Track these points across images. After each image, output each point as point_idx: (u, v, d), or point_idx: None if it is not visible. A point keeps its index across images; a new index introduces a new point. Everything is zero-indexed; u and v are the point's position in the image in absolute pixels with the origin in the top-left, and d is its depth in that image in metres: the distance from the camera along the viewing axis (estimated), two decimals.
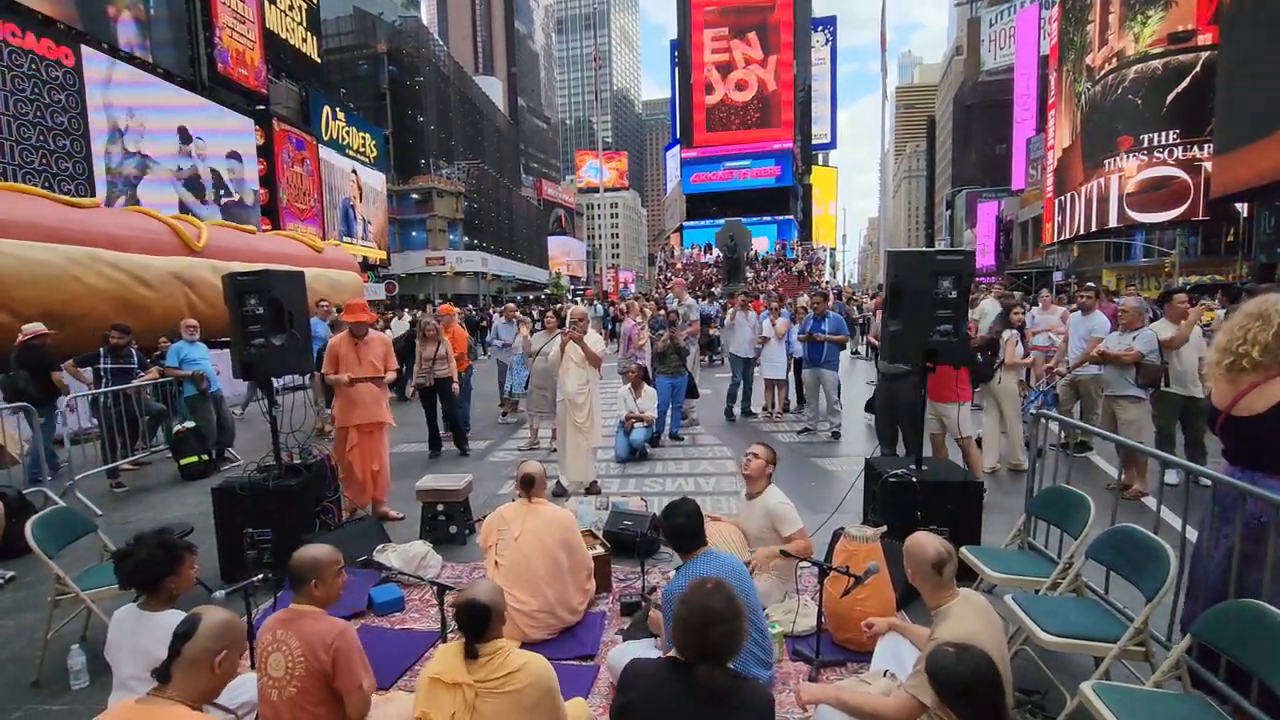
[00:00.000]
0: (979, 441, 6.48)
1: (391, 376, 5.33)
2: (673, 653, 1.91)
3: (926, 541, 2.32)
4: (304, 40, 31.19)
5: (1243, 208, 25.82)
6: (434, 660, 2.13)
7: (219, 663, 1.78)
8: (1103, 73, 34.42)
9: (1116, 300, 8.12)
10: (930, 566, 2.26)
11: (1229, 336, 2.62)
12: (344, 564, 3.94)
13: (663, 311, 10.00)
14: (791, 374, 9.30)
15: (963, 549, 3.36)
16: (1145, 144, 31.77)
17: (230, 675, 1.88)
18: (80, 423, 7.21)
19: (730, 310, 9.39)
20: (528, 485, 3.55)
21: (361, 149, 38.08)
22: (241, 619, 1.93)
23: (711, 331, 13.90)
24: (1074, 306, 7.47)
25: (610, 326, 19.61)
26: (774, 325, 8.94)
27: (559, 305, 20.39)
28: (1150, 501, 4.84)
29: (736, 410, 9.24)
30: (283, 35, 29.14)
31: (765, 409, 9.30)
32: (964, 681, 1.74)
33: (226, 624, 1.83)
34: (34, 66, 16.18)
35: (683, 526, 2.72)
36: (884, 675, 2.48)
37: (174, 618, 2.24)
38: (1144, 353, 5.28)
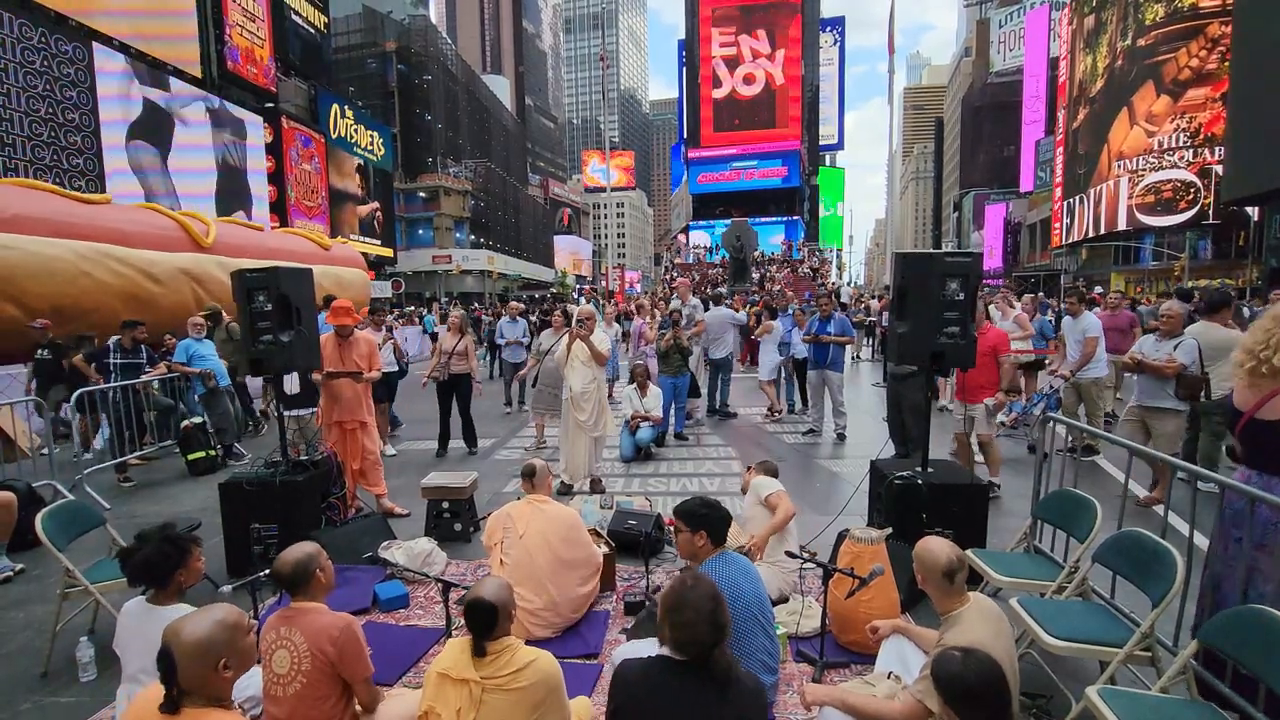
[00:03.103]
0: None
1: (375, 376, 5.33)
2: (663, 652, 1.91)
3: (937, 548, 2.28)
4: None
5: (1254, 211, 25.62)
6: (442, 655, 2.14)
7: (223, 667, 1.68)
8: (1113, 73, 34.23)
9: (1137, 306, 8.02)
10: (941, 574, 2.23)
11: (1254, 338, 2.58)
12: (349, 560, 4.00)
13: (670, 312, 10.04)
14: (784, 374, 9.56)
15: (968, 552, 3.35)
16: (1156, 147, 31.60)
17: (245, 665, 1.78)
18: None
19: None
20: (528, 475, 3.60)
21: (369, 147, 38.21)
22: (229, 613, 1.78)
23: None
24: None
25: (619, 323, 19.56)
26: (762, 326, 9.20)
27: (563, 304, 20.39)
28: (1158, 506, 4.81)
29: (718, 406, 9.35)
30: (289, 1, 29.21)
31: (770, 410, 9.38)
32: (969, 685, 1.74)
33: (207, 637, 1.66)
34: (46, 63, 16.31)
35: (724, 520, 2.76)
36: (889, 677, 2.47)
37: (182, 611, 2.26)
38: (1186, 364, 4.96)
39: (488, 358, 14.56)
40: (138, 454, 6.84)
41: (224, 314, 8.14)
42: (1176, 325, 5.20)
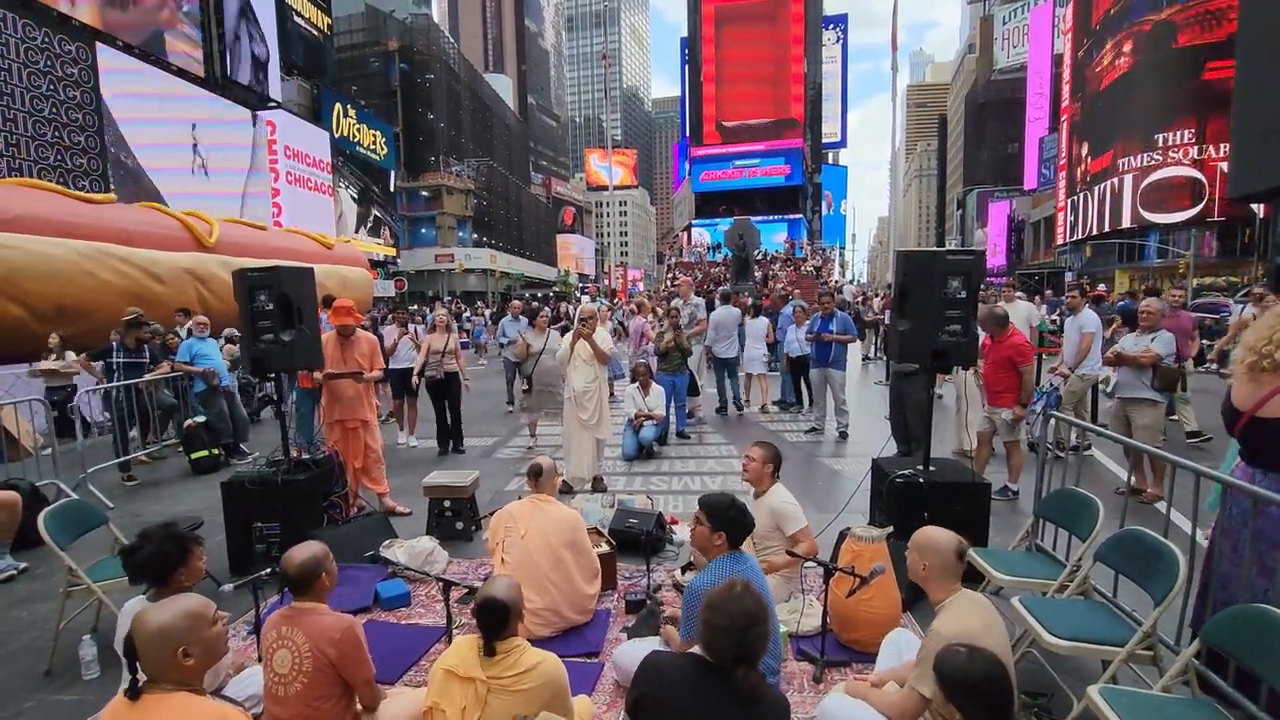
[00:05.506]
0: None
1: (377, 375, 5.33)
2: (696, 650, 1.90)
3: (938, 534, 2.31)
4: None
5: (1259, 208, 25.50)
6: (449, 652, 2.14)
7: (183, 654, 1.67)
8: (1118, 69, 34.08)
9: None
10: (955, 556, 2.25)
11: (1256, 335, 2.57)
12: (351, 559, 4.00)
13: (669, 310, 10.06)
14: (785, 372, 9.70)
15: (970, 551, 3.34)
16: (1160, 143, 31.46)
17: (212, 655, 1.78)
18: (93, 415, 7.30)
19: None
20: (534, 475, 3.58)
21: (372, 146, 38.26)
22: (194, 603, 1.79)
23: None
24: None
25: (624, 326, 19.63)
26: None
27: (564, 303, 20.44)
28: (1161, 505, 4.80)
29: (729, 405, 9.39)
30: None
31: (763, 407, 9.48)
32: (974, 681, 1.73)
33: (166, 625, 1.68)
34: (50, 63, 16.35)
35: (748, 528, 2.70)
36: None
37: None
38: (1161, 355, 5.16)
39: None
40: (144, 452, 6.89)
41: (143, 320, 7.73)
42: (1155, 320, 5.41)
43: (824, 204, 59.33)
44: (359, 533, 4.41)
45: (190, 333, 7.67)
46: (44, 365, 7.33)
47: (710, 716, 1.80)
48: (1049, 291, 22.60)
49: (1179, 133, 30.73)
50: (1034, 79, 54.11)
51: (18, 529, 4.45)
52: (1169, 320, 6.60)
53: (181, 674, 1.69)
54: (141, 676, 1.65)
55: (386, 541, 4.35)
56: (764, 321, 9.74)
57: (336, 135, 33.40)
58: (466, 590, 3.35)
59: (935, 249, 4.30)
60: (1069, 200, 40.68)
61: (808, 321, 8.39)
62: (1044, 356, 8.49)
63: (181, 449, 7.12)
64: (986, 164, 68.33)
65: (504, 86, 79.56)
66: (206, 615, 1.79)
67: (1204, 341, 9.73)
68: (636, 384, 7.53)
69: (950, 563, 2.25)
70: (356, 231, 36.43)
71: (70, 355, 7.53)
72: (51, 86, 16.41)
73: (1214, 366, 9.14)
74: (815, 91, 55.42)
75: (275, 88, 27.35)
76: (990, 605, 2.23)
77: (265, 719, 2.29)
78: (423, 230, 51.78)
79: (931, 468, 4.02)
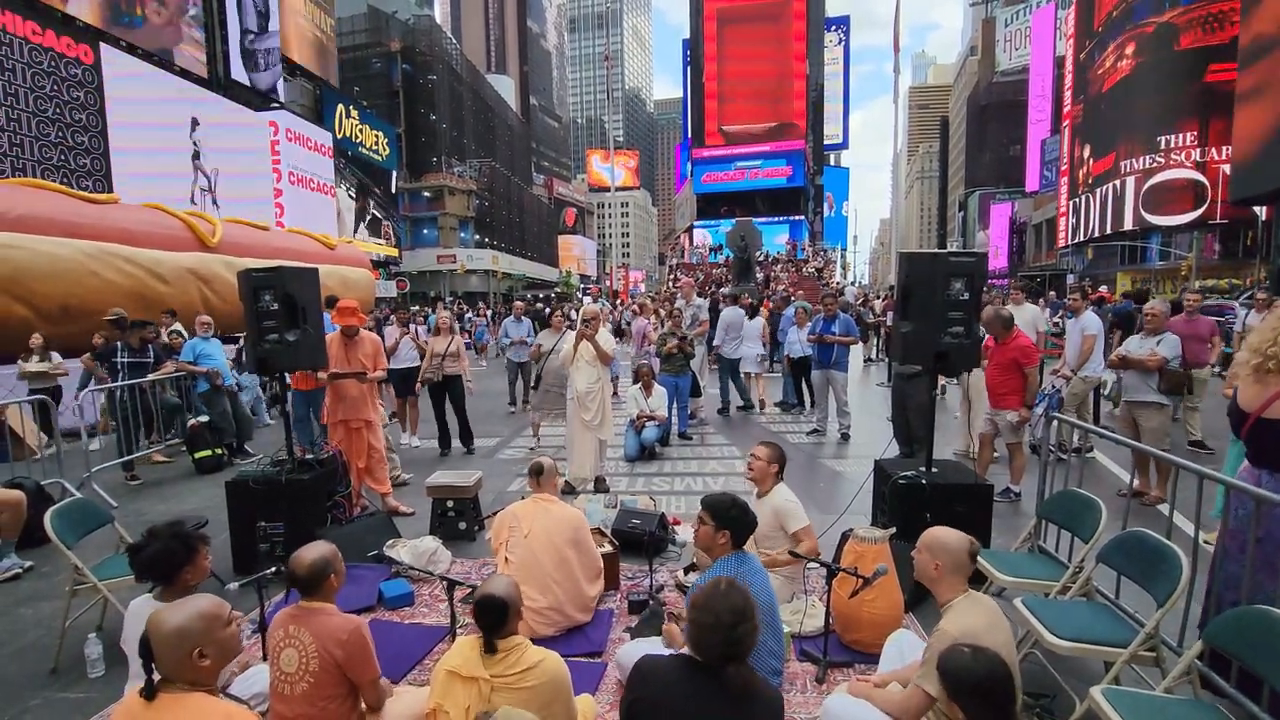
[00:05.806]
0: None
1: (380, 375, 5.35)
2: (686, 650, 1.91)
3: (948, 534, 2.31)
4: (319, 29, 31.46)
5: (1262, 211, 25.45)
6: (451, 653, 2.14)
7: (198, 655, 1.69)
8: (1120, 72, 34.06)
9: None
10: (966, 556, 2.25)
11: (1261, 337, 2.58)
12: (355, 559, 4.02)
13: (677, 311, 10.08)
14: (787, 374, 9.76)
15: None
16: (1162, 146, 31.42)
17: (226, 655, 1.79)
18: (97, 415, 7.33)
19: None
20: (535, 474, 3.59)
21: (374, 147, 38.30)
22: (209, 604, 1.80)
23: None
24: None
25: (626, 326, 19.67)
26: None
27: (567, 304, 20.47)
28: (1163, 506, 4.80)
29: (732, 406, 9.46)
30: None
31: (762, 407, 9.53)
32: (978, 680, 1.74)
33: (182, 626, 1.69)
34: (53, 63, 16.38)
35: (750, 526, 2.70)
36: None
37: None
38: (1168, 358, 5.15)
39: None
40: (158, 448, 6.92)
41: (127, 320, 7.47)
42: (1160, 323, 5.39)
43: (825, 205, 59.16)
44: (362, 532, 4.43)
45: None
46: (32, 367, 7.33)
47: (705, 717, 1.81)
48: (1051, 294, 22.59)
49: (1181, 135, 30.66)
50: (1036, 81, 54.08)
51: (23, 527, 4.47)
52: (1187, 325, 6.52)
53: (197, 674, 1.70)
54: (156, 676, 1.66)
55: (390, 541, 4.36)
56: (760, 322, 9.87)
57: (339, 136, 33.43)
58: (470, 589, 3.36)
59: (937, 250, 4.31)
60: (1071, 202, 40.63)
61: (810, 323, 8.39)
62: (1045, 359, 8.48)
63: (185, 449, 7.14)
64: (988, 166, 68.31)
65: (506, 87, 79.63)
66: (222, 616, 1.80)
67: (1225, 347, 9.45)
68: (639, 385, 7.53)
69: (963, 562, 2.26)
70: (356, 231, 36.52)
71: (55, 356, 7.56)
72: (55, 87, 16.44)
73: (1215, 370, 9.10)
74: (817, 93, 55.36)
75: (275, 48, 27.29)
76: (996, 606, 2.24)
77: (271, 717, 2.30)
78: (425, 231, 51.83)
79: (934, 469, 4.02)
